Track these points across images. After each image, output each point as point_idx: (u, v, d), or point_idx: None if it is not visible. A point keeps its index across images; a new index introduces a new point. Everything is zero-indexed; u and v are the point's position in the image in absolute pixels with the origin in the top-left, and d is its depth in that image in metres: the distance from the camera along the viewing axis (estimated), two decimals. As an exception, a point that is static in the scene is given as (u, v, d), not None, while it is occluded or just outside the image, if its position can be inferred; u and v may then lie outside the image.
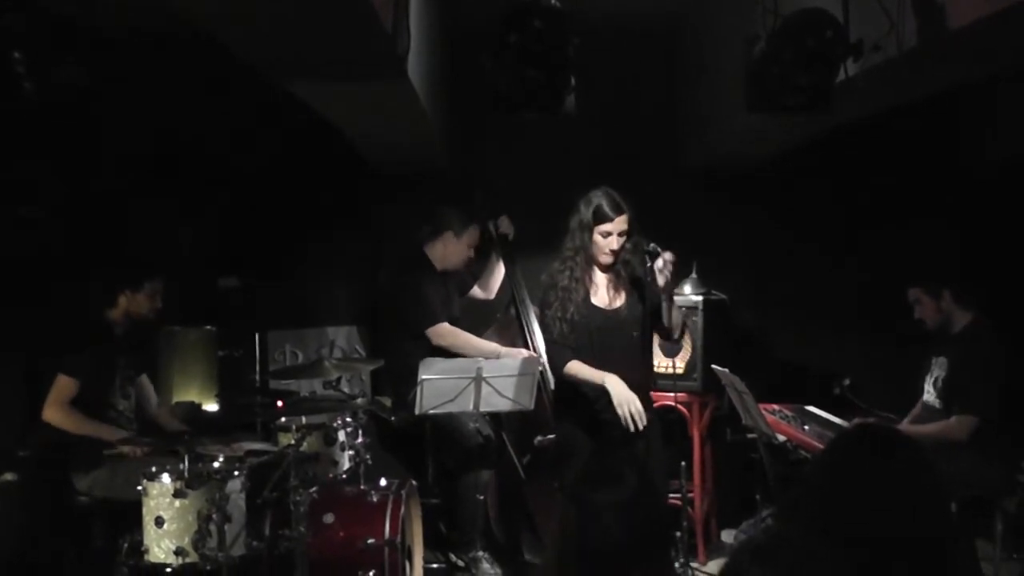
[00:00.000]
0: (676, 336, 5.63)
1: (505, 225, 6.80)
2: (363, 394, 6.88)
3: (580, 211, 5.31)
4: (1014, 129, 7.02)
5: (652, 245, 5.13)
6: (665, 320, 5.34)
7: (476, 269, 6.90)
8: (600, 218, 5.25)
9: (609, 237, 5.25)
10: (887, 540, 2.49)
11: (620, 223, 5.24)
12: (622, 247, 5.29)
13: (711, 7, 6.35)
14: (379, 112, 5.61)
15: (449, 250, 6.59)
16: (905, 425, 5.85)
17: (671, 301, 5.28)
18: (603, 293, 5.39)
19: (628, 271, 5.36)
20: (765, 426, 5.77)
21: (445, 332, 6.39)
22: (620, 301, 5.38)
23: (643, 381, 5.41)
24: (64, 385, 5.48)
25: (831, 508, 2.59)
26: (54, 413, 5.48)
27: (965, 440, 5.48)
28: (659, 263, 5.02)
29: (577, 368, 5.29)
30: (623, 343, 5.32)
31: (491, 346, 6.39)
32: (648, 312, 5.29)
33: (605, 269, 5.38)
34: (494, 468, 6.39)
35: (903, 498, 2.54)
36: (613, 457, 5.10)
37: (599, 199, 5.26)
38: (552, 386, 6.42)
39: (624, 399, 5.13)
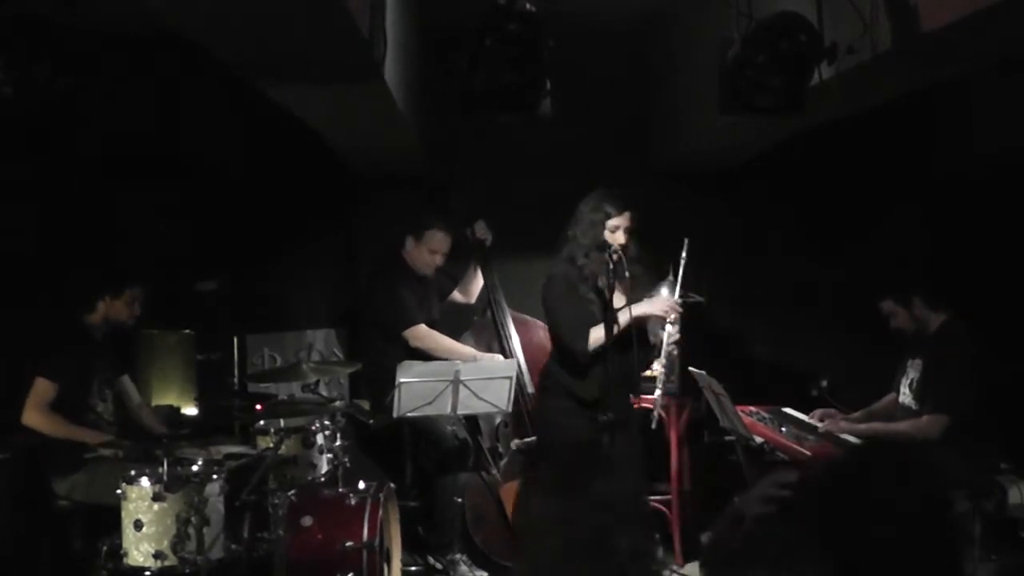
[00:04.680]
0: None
1: (481, 230, 6.76)
2: (341, 397, 6.87)
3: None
4: (989, 127, 7.05)
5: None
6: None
7: (456, 273, 6.91)
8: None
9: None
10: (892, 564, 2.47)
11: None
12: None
13: (685, 8, 6.37)
14: (356, 115, 5.62)
15: (411, 255, 6.57)
16: (878, 425, 5.88)
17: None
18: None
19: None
20: (742, 428, 5.78)
21: (422, 334, 6.39)
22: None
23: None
24: (43, 388, 5.47)
25: (832, 529, 2.57)
26: (34, 416, 5.47)
27: (937, 439, 5.49)
28: None
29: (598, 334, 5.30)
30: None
31: (467, 350, 6.40)
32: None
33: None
34: (471, 471, 6.42)
35: (912, 527, 2.51)
36: (591, 454, 5.14)
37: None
38: (529, 390, 6.45)
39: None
